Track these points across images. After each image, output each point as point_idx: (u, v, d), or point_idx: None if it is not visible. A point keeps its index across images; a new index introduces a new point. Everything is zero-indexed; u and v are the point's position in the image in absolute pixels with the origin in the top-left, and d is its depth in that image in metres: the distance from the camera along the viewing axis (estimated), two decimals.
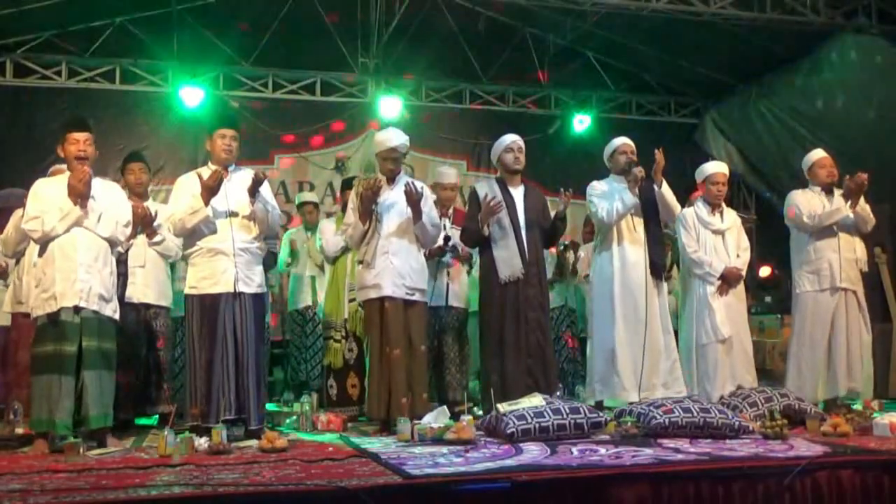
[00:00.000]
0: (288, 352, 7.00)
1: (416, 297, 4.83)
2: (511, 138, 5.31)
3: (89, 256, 4.19)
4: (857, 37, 7.22)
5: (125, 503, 2.82)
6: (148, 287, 5.19)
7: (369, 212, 4.78)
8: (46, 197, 4.22)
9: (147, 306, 5.20)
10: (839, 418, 4.50)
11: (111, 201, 4.37)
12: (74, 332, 4.11)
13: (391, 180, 4.92)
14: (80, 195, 4.16)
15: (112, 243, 4.34)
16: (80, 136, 4.29)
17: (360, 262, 4.85)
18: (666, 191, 5.31)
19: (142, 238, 5.15)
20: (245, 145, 4.83)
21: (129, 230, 4.47)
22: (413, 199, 4.72)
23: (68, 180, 4.19)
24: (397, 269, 4.75)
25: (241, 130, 4.72)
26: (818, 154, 5.77)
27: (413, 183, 4.83)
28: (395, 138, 4.91)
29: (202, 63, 8.39)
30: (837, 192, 5.59)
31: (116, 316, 4.33)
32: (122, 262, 5.11)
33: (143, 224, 5.03)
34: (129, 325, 5.08)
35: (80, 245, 4.18)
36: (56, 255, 4.15)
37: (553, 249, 6.28)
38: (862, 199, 5.56)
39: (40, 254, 4.23)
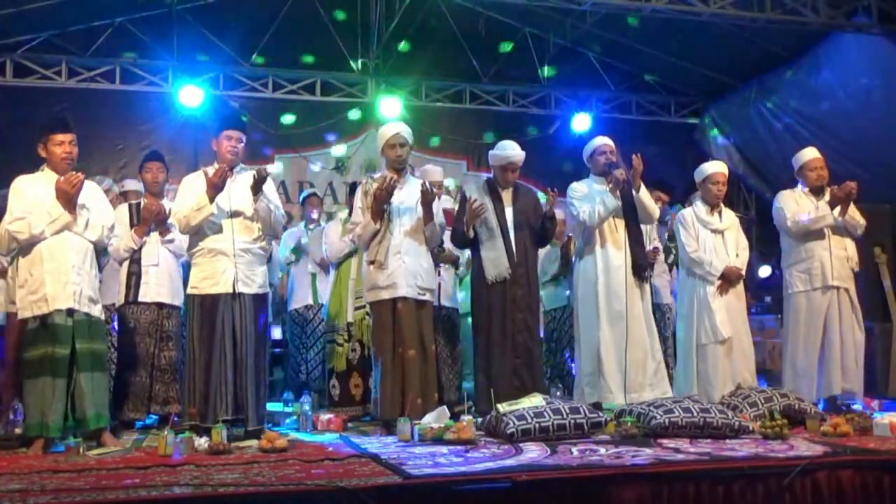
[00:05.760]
0: (287, 352, 6.98)
1: (427, 296, 4.84)
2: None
3: (78, 259, 4.17)
4: (857, 37, 7.22)
5: (125, 503, 2.83)
6: (161, 286, 5.16)
7: (382, 211, 4.77)
8: (30, 197, 4.17)
9: (160, 305, 5.17)
10: (839, 418, 4.50)
11: (96, 205, 4.35)
12: (67, 335, 4.08)
13: (399, 171, 4.90)
14: (70, 200, 4.14)
15: (98, 246, 4.33)
16: (65, 137, 4.27)
17: (372, 262, 4.78)
18: (644, 195, 5.27)
19: (155, 236, 5.16)
20: (245, 145, 4.83)
21: (114, 232, 4.46)
22: (428, 199, 4.74)
23: (57, 185, 4.13)
24: (410, 269, 4.74)
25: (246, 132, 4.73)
26: (809, 154, 5.70)
27: (429, 183, 4.83)
28: (397, 125, 4.98)
29: (202, 63, 8.39)
30: (828, 194, 5.54)
31: (102, 316, 4.34)
32: (135, 260, 5.13)
33: (157, 222, 5.04)
34: (141, 324, 5.09)
35: (69, 247, 4.16)
36: (44, 257, 4.12)
37: (558, 241, 6.23)
38: (851, 206, 5.51)
39: (24, 254, 4.19)
